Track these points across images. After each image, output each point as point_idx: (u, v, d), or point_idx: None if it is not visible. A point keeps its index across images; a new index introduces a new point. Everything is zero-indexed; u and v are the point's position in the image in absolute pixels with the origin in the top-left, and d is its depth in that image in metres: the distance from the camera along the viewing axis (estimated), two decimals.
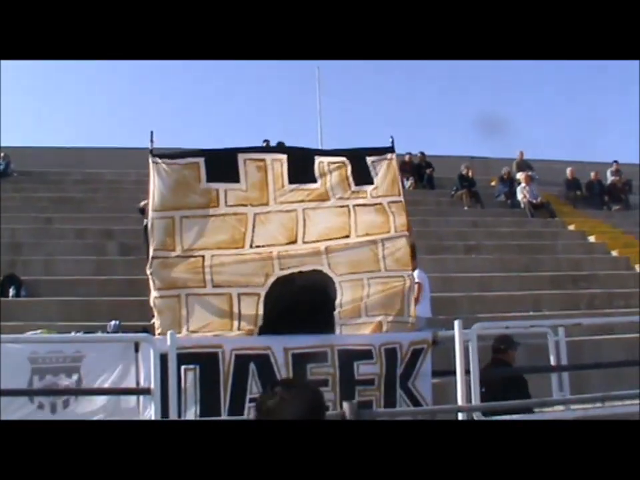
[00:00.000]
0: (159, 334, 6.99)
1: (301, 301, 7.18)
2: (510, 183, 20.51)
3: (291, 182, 7.46)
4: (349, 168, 7.62)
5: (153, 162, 7.28)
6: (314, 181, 7.55)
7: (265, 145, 20.27)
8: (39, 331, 8.77)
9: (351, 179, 7.60)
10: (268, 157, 7.57)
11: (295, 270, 7.31)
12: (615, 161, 22.71)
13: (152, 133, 7.36)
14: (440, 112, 47.64)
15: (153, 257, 7.14)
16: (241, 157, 7.43)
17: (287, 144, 20.31)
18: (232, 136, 47.43)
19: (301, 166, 7.59)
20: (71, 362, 6.78)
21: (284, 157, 7.58)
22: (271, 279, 7.25)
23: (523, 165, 21.70)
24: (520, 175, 20.86)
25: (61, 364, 6.76)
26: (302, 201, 7.45)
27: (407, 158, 21.05)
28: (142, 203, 7.47)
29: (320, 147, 21.22)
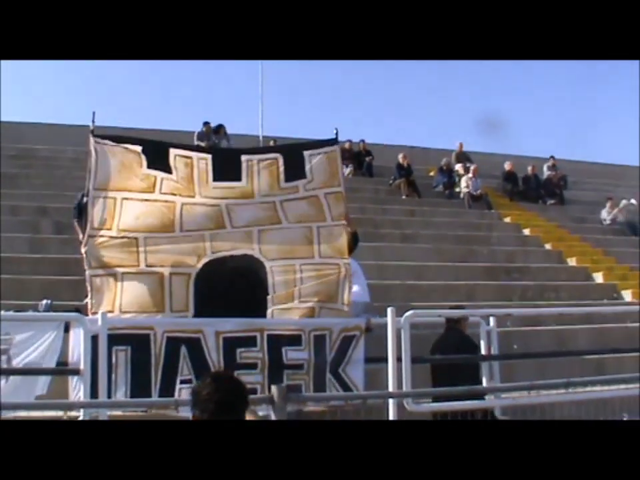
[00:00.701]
0: (92, 313, 6.97)
1: (232, 284, 7.29)
2: (449, 174, 20.71)
3: (215, 179, 7.61)
4: (281, 164, 7.72)
5: (95, 142, 7.36)
6: (239, 179, 7.67)
7: (205, 127, 20.26)
8: None
9: (282, 176, 7.71)
10: (195, 155, 7.73)
11: (227, 254, 7.45)
12: (552, 156, 23.09)
13: (94, 113, 7.49)
14: (384, 100, 47.78)
15: (89, 236, 7.15)
16: (172, 152, 7.63)
17: (229, 129, 20.44)
18: (173, 118, 47.13)
19: (226, 165, 7.76)
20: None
21: (209, 156, 7.76)
22: (203, 261, 7.39)
23: (462, 157, 21.95)
24: (459, 166, 21.12)
25: None
26: (225, 198, 7.60)
27: (347, 145, 21.13)
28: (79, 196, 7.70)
29: (260, 133, 21.34)
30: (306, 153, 7.83)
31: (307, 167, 7.76)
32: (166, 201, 7.43)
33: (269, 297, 7.46)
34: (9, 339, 6.70)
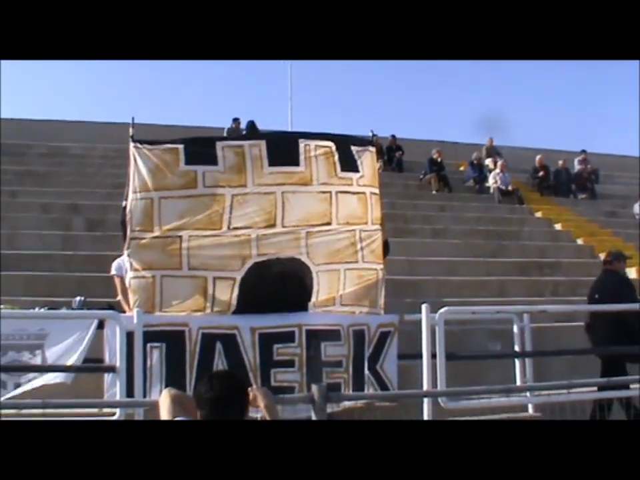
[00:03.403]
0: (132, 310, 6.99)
1: (278, 290, 7.17)
2: (479, 169, 20.59)
3: (271, 164, 7.34)
4: (336, 154, 7.53)
5: (134, 147, 7.21)
6: (297, 164, 7.42)
7: (234, 124, 20.24)
8: (1, 306, 8.63)
9: (337, 165, 7.51)
10: (246, 143, 7.47)
11: (273, 257, 7.26)
12: (583, 150, 22.86)
13: (133, 118, 7.35)
14: (411, 95, 47.64)
15: (131, 238, 7.07)
16: (219, 144, 7.36)
17: (258, 126, 20.42)
18: (203, 115, 47.34)
19: (283, 149, 7.50)
20: (34, 339, 6.72)
21: (262, 142, 7.46)
22: (248, 264, 7.20)
23: (492, 151, 21.82)
24: (489, 161, 21.00)
25: (25, 341, 6.69)
26: (282, 184, 7.34)
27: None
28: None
29: (290, 129, 21.35)
30: (353, 149, 7.66)
31: (358, 162, 7.61)
32: (213, 194, 7.21)
33: (310, 303, 7.37)
34: (43, 334, 6.75)
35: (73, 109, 46.66)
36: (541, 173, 20.99)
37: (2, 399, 6.28)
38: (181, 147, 7.25)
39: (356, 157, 7.61)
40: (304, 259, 7.34)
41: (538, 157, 21.35)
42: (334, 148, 7.54)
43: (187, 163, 7.20)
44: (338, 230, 7.44)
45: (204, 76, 46.47)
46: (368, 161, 7.67)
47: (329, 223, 7.43)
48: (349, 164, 7.56)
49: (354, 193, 7.54)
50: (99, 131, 21.09)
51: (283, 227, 7.29)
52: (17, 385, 6.64)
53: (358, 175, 7.56)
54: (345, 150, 7.60)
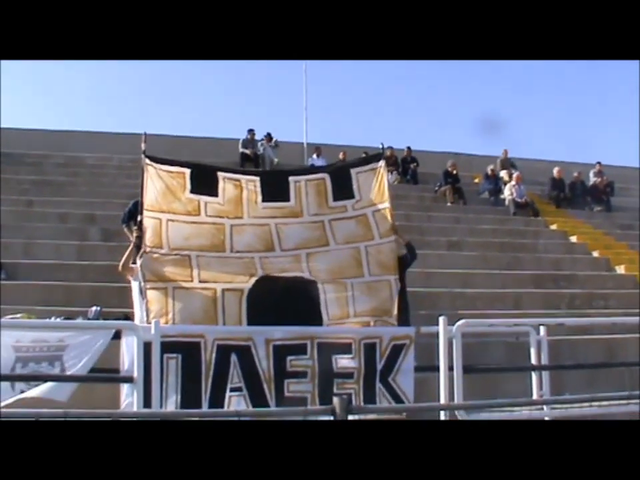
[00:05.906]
0: (149, 322, 7.07)
1: (285, 300, 7.40)
2: (494, 181, 20.51)
3: (264, 200, 7.86)
4: (329, 184, 7.97)
5: (146, 164, 7.73)
6: (287, 199, 7.91)
7: (249, 134, 20.34)
8: (18, 315, 8.66)
9: (330, 195, 7.95)
10: (243, 177, 8.06)
11: (278, 274, 7.63)
12: (598, 162, 22.73)
13: (145, 134, 7.80)
14: (426, 107, 47.55)
15: (144, 252, 7.43)
16: (220, 175, 7.96)
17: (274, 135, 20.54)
18: (218, 125, 47.45)
19: (275, 186, 8.04)
20: (54, 351, 6.74)
21: (257, 178, 8.07)
22: (255, 278, 7.54)
23: (507, 163, 21.73)
24: (504, 173, 20.90)
25: (45, 353, 6.71)
26: (274, 217, 7.82)
27: (388, 152, 21.05)
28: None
29: (304, 140, 21.41)
30: (352, 171, 8.08)
31: (355, 186, 7.98)
32: (214, 223, 7.70)
33: (323, 313, 7.56)
34: (63, 345, 6.76)
35: (89, 119, 46.74)
36: (561, 194, 20.87)
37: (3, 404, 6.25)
38: (187, 171, 7.80)
39: (353, 181, 8.01)
40: (307, 276, 7.67)
41: (556, 169, 21.19)
42: (327, 178, 8.01)
43: (192, 191, 7.75)
44: (339, 248, 7.77)
45: (219, 86, 46.58)
46: (370, 180, 8.01)
47: (327, 244, 7.80)
48: (343, 191, 7.97)
49: (350, 218, 7.92)
50: (114, 141, 21.15)
51: (282, 250, 7.71)
52: None
53: (353, 200, 7.96)
54: (341, 176, 8.07)
